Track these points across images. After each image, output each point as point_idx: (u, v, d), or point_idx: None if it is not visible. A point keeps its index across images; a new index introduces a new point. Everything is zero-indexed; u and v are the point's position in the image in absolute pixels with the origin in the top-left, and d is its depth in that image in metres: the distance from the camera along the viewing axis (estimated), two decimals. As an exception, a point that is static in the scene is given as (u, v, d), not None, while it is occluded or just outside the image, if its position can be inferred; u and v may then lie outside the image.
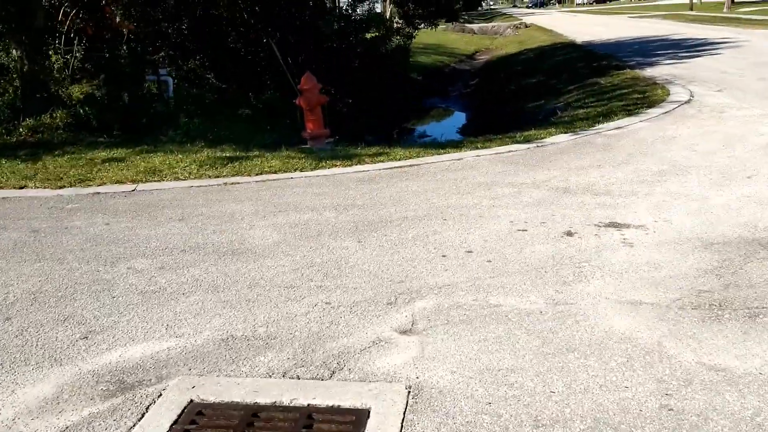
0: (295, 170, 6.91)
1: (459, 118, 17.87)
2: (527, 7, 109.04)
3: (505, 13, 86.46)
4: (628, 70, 15.30)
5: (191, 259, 4.50)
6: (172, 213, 5.53)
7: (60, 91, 10.83)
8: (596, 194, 5.74)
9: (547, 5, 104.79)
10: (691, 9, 47.13)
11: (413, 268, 4.28)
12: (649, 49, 20.24)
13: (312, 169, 6.93)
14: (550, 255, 4.43)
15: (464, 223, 5.10)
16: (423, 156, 7.43)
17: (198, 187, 6.35)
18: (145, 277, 4.24)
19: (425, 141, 11.75)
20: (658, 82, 12.86)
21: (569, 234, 4.81)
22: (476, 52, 34.15)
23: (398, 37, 14.92)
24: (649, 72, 14.66)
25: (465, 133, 15.82)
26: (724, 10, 42.63)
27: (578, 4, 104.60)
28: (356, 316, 3.62)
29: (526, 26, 43.84)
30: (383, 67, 13.51)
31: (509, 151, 7.50)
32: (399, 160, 7.26)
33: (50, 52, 11.83)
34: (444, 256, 4.48)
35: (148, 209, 5.66)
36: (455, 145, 8.02)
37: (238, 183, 6.46)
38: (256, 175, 6.74)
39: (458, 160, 7.19)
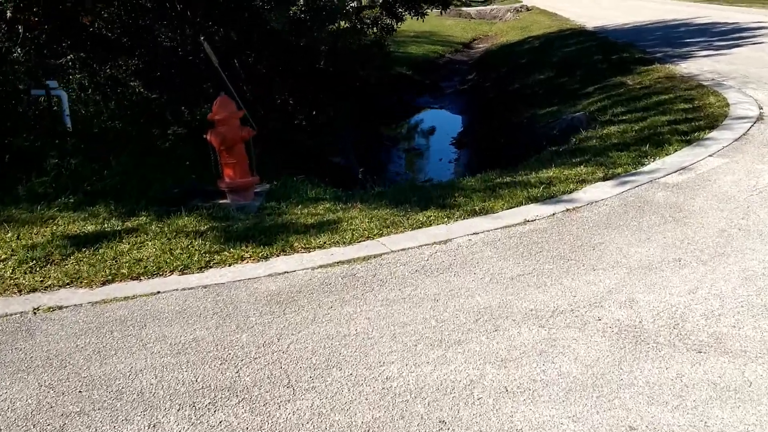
0: (174, 269, 4.16)
1: (453, 125, 15.02)
2: None
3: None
4: (658, 65, 12.43)
5: None
6: None
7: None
8: (700, 351, 3.01)
9: None
10: (703, -12, 44.02)
11: None
12: (675, 37, 17.35)
13: (201, 267, 4.18)
14: None
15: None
16: (389, 232, 4.68)
17: (-18, 320, 3.61)
18: None
19: (401, 183, 9.00)
20: (703, 83, 10.04)
21: None
22: (474, 39, 31.21)
23: (374, 30, 12.12)
24: (685, 68, 11.82)
25: (459, 146, 13.03)
26: (740, -12, 39.58)
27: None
28: None
29: (528, 9, 40.76)
30: (356, 67, 10.78)
31: (525, 222, 4.75)
32: (350, 243, 4.51)
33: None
34: None
35: None
36: (441, 203, 5.26)
37: (60, 308, 3.72)
38: (102, 283, 4.00)
39: (444, 243, 4.44)
